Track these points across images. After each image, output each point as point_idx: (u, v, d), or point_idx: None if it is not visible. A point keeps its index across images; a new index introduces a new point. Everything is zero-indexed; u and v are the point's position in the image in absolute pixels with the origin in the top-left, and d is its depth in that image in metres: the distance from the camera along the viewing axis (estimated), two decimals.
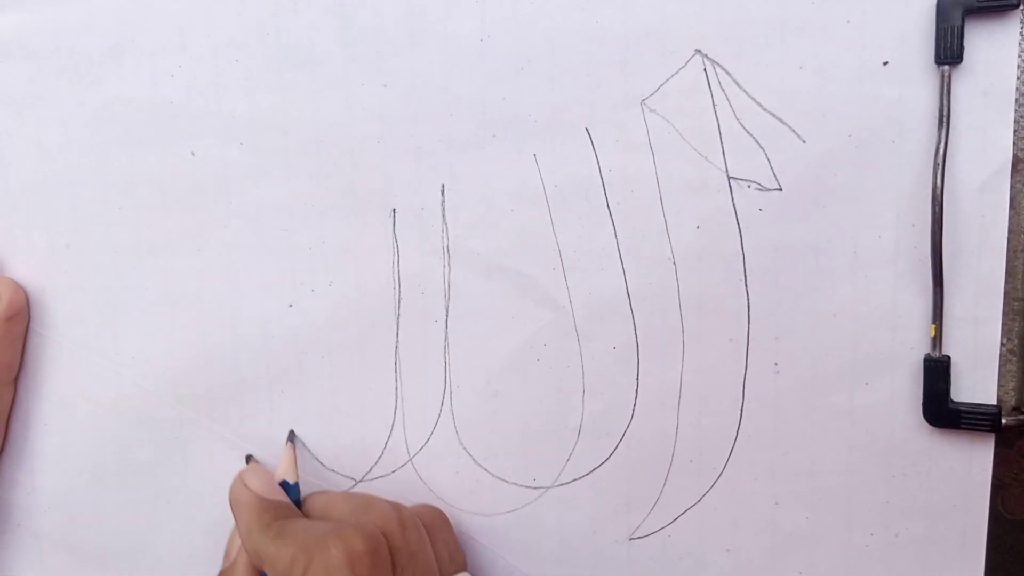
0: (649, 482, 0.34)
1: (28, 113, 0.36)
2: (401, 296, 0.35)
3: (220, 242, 0.36)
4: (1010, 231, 0.30)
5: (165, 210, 0.36)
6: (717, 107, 0.31)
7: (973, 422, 0.30)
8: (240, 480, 0.33)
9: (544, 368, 0.34)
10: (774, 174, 0.31)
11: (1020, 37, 0.29)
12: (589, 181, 0.33)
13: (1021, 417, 0.30)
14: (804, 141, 0.31)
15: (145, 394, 0.37)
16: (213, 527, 0.36)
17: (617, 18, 0.32)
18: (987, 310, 0.30)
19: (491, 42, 0.33)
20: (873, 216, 0.31)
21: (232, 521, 0.33)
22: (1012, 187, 0.30)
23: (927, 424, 0.31)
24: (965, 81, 0.29)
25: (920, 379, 0.31)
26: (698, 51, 0.31)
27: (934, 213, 0.30)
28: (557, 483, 0.35)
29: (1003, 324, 0.30)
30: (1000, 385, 0.31)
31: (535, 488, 0.35)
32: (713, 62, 0.31)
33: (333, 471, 0.36)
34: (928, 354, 0.31)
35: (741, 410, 0.33)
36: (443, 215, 0.34)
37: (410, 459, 0.35)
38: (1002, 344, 0.30)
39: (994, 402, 0.31)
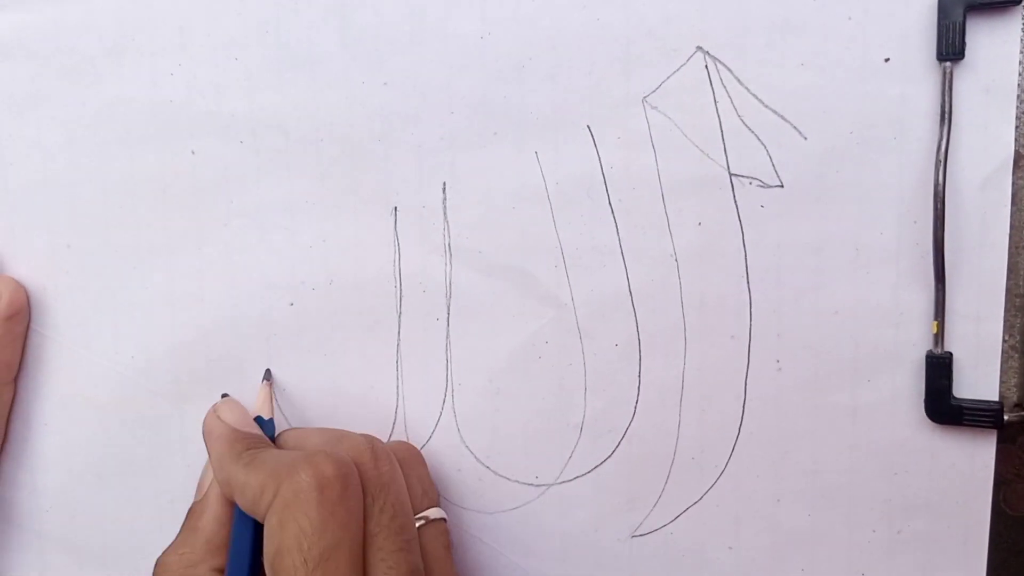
0: (651, 480, 0.34)
1: (29, 113, 0.36)
2: (402, 294, 0.35)
3: (221, 241, 0.36)
4: (1012, 227, 0.30)
5: (166, 209, 0.36)
6: (719, 104, 0.31)
7: (975, 418, 0.30)
8: (214, 412, 0.33)
9: (546, 366, 0.34)
10: (776, 171, 0.31)
11: (1021, 33, 0.29)
12: (591, 178, 0.33)
13: (1023, 413, 0.30)
14: (806, 138, 0.31)
15: (146, 393, 0.37)
16: None
17: (618, 16, 0.32)
18: (989, 306, 0.30)
19: (492, 40, 0.33)
20: (875, 213, 0.31)
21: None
22: (1014, 183, 0.30)
23: (929, 421, 0.31)
24: (967, 78, 0.29)
25: (922, 376, 0.31)
26: (699, 48, 0.31)
27: (936, 210, 0.30)
28: (559, 481, 0.35)
29: (1005, 320, 0.30)
30: (1002, 381, 0.31)
31: (537, 486, 0.35)
32: (715, 59, 0.31)
33: None
34: (930, 351, 0.31)
35: (743, 407, 0.33)
36: (444, 213, 0.34)
37: None
38: (1004, 340, 0.31)
39: (996, 398, 0.31)
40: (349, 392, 0.35)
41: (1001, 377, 0.31)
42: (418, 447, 0.35)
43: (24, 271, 0.37)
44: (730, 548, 0.34)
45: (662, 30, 0.31)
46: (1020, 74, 0.29)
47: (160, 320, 0.36)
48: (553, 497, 0.35)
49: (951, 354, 0.31)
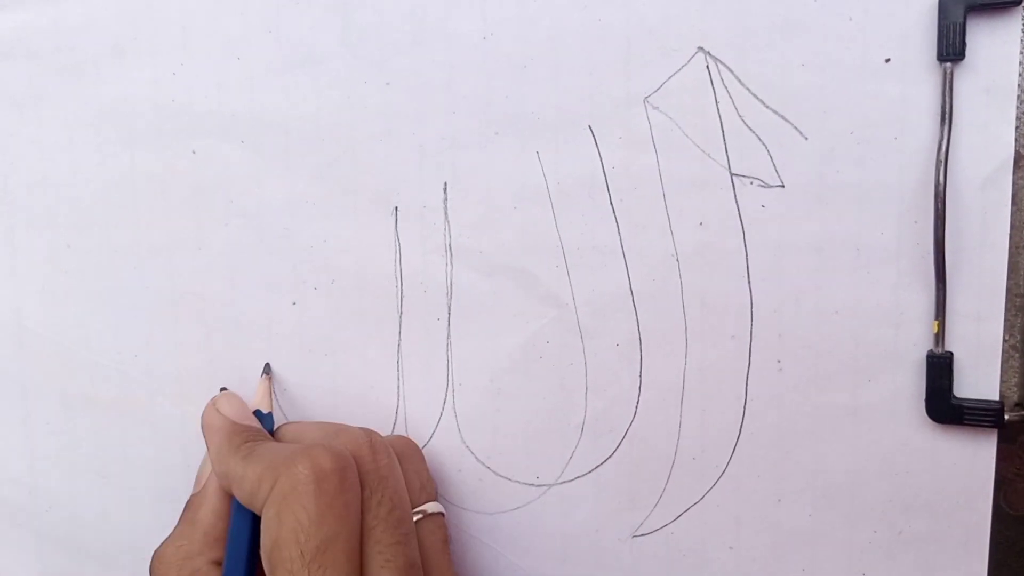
0: (652, 480, 0.34)
1: (29, 113, 0.36)
2: (403, 294, 0.35)
3: (222, 241, 0.36)
4: (1012, 227, 0.30)
5: (166, 209, 0.36)
6: (720, 104, 0.31)
7: (976, 418, 0.31)
8: (212, 405, 0.33)
9: (547, 366, 0.34)
10: (776, 171, 0.31)
11: (1022, 34, 0.29)
12: (592, 178, 0.33)
13: (1023, 413, 0.31)
14: (806, 138, 0.31)
15: (147, 393, 0.37)
16: None
17: (619, 16, 0.32)
18: (989, 306, 0.30)
19: (493, 40, 0.33)
20: (875, 213, 0.31)
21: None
22: (1014, 183, 0.30)
23: (930, 420, 0.31)
24: (967, 78, 0.29)
25: (923, 376, 0.31)
26: (701, 48, 0.31)
27: (936, 210, 0.30)
28: (560, 481, 0.35)
29: (1005, 320, 0.30)
30: (1003, 381, 0.31)
31: (538, 486, 0.35)
32: (716, 59, 0.31)
33: None
34: (931, 350, 0.31)
35: (744, 407, 0.33)
36: (445, 213, 0.34)
37: None
38: (1005, 340, 0.31)
39: (997, 398, 0.31)
40: (350, 392, 0.35)
41: (1002, 376, 0.31)
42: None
43: (25, 271, 0.37)
44: (731, 548, 0.34)
45: (663, 30, 0.32)
46: (1020, 74, 0.29)
47: (161, 320, 0.36)
48: (554, 497, 0.35)
49: (952, 354, 0.31)
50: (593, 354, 0.34)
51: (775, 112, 0.31)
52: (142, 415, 0.37)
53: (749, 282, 0.32)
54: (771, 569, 0.34)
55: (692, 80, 0.32)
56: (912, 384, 0.31)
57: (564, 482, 0.35)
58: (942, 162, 0.29)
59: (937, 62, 0.30)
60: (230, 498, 0.31)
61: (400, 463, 0.31)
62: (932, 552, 0.32)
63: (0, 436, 0.38)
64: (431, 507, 0.32)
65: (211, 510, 0.31)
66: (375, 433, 0.31)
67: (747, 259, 0.32)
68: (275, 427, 0.34)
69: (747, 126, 0.31)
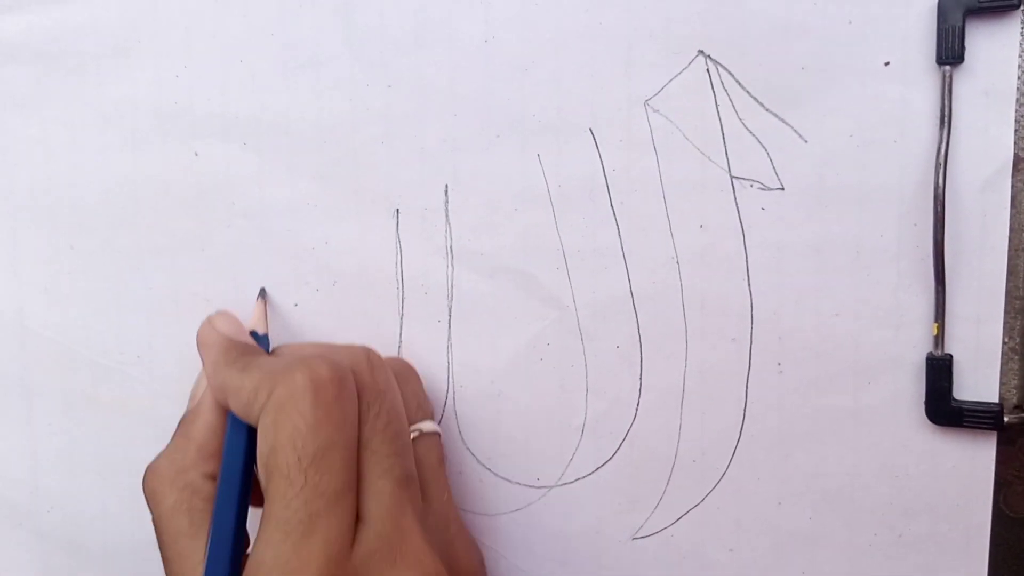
0: (652, 482, 0.34)
1: (33, 114, 0.37)
2: (404, 296, 0.35)
3: (224, 242, 0.36)
4: (1011, 230, 0.30)
5: (168, 210, 0.36)
6: (720, 107, 0.32)
7: (976, 420, 0.31)
8: (208, 322, 0.32)
9: (547, 368, 0.34)
10: (776, 173, 0.32)
11: (1021, 37, 0.29)
12: (592, 181, 0.33)
13: (1023, 415, 0.31)
14: (806, 141, 0.31)
15: (149, 394, 0.37)
16: None
17: (621, 19, 0.32)
18: (989, 308, 0.30)
19: (495, 43, 0.33)
20: (875, 215, 0.31)
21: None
22: (1013, 186, 0.30)
23: (929, 423, 0.31)
24: (966, 81, 0.30)
25: (922, 378, 0.31)
26: (701, 52, 0.31)
27: (936, 212, 0.30)
28: (560, 483, 0.35)
29: (1005, 322, 0.30)
30: (1002, 383, 0.31)
31: (538, 488, 0.35)
32: (716, 63, 0.31)
33: None
34: (930, 353, 0.31)
35: (744, 410, 0.33)
36: (446, 215, 0.34)
37: None
38: (1004, 342, 0.31)
39: (996, 400, 0.31)
40: None
41: (1001, 379, 0.31)
42: None
43: (27, 272, 0.37)
44: (731, 550, 0.34)
45: (664, 34, 0.32)
46: (1019, 78, 0.29)
47: (163, 321, 0.36)
48: (554, 499, 0.35)
49: (951, 356, 0.31)
50: (593, 356, 0.34)
51: (775, 115, 0.31)
52: (144, 416, 0.37)
53: (749, 284, 0.32)
54: (771, 571, 0.34)
55: (693, 83, 0.32)
56: (912, 386, 0.32)
57: (564, 484, 0.35)
58: (941, 165, 0.30)
59: (936, 65, 0.30)
60: (225, 413, 0.30)
61: (398, 384, 0.31)
62: (932, 554, 0.32)
63: (2, 436, 0.39)
64: (427, 426, 0.31)
65: (205, 425, 0.31)
66: (373, 351, 0.31)
67: (747, 261, 0.32)
68: (271, 349, 0.34)
69: (747, 129, 0.32)
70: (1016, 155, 0.30)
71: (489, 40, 0.33)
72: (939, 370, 0.31)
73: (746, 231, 0.32)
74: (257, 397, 0.27)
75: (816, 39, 0.31)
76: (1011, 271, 0.30)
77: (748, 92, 0.31)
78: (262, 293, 0.35)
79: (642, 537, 0.34)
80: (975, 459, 0.31)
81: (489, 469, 0.35)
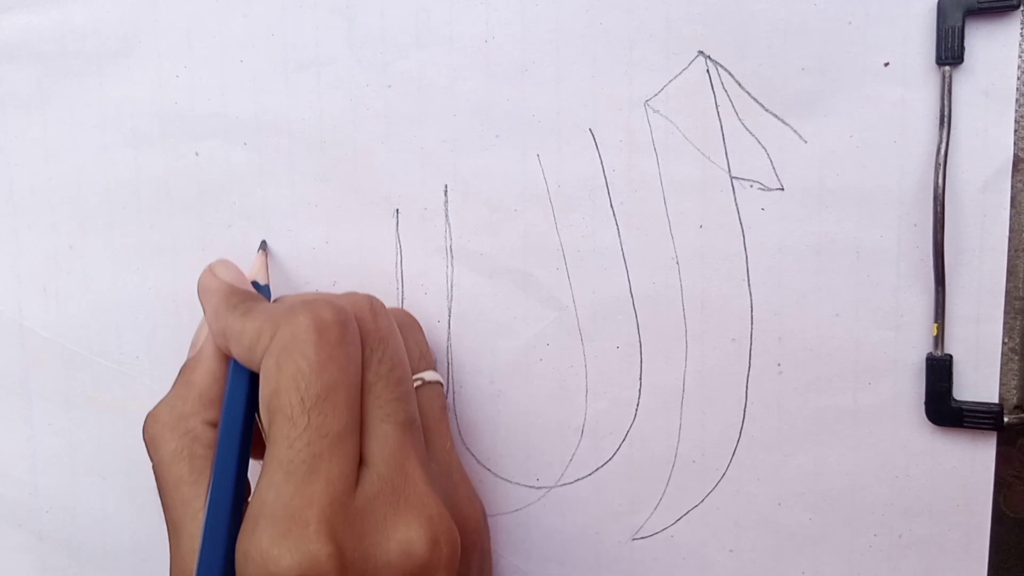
0: (652, 482, 0.34)
1: (34, 114, 0.37)
2: (404, 296, 0.35)
3: (224, 243, 0.36)
4: (1011, 230, 0.30)
5: (169, 211, 0.36)
6: (720, 108, 0.32)
7: (975, 421, 0.31)
8: (209, 270, 0.32)
9: (547, 368, 0.34)
10: (776, 174, 0.32)
11: (1020, 37, 0.29)
12: (592, 181, 0.33)
13: (1023, 415, 0.31)
14: (806, 141, 0.31)
15: (150, 394, 0.37)
16: None
17: (621, 20, 0.32)
18: (989, 309, 0.30)
19: (495, 43, 0.33)
20: (875, 216, 0.31)
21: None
22: (1013, 186, 0.30)
23: (929, 423, 0.31)
24: (966, 81, 0.30)
25: (922, 378, 0.31)
26: (701, 52, 0.32)
27: (935, 213, 0.30)
28: (560, 483, 0.35)
29: (1005, 323, 0.30)
30: (1002, 383, 0.31)
31: (538, 488, 0.35)
32: (716, 63, 0.31)
33: None
34: (930, 353, 0.31)
35: (744, 410, 0.33)
36: (446, 216, 0.34)
37: None
38: (1004, 342, 0.31)
39: (996, 400, 0.31)
40: None
41: (1001, 379, 0.31)
42: None
43: (28, 272, 0.38)
44: (731, 551, 0.34)
45: (664, 34, 0.32)
46: (1019, 78, 0.29)
47: (163, 321, 0.36)
48: (554, 499, 0.35)
49: (951, 356, 0.31)
50: (593, 356, 0.34)
51: (775, 115, 0.31)
52: (143, 417, 0.37)
53: (749, 285, 0.32)
54: (771, 572, 0.34)
55: (693, 84, 0.32)
56: (912, 387, 0.32)
57: (564, 484, 0.35)
58: (941, 165, 0.30)
59: (936, 66, 0.30)
60: (226, 360, 0.30)
61: (400, 333, 0.30)
62: (932, 555, 0.32)
63: (2, 436, 0.39)
64: (429, 375, 0.31)
65: (206, 372, 0.30)
66: (376, 299, 0.30)
67: (747, 262, 0.32)
68: (272, 299, 0.33)
69: (747, 129, 0.32)
70: (1016, 155, 0.30)
71: (489, 40, 0.33)
72: (939, 370, 0.31)
73: (746, 231, 0.32)
74: (260, 340, 0.27)
75: (816, 40, 0.31)
76: (1011, 271, 0.30)
77: (748, 93, 0.31)
78: (263, 245, 0.35)
79: (642, 538, 0.34)
80: (975, 459, 0.31)
81: (489, 469, 0.35)
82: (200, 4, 0.35)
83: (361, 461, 0.27)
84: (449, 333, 0.35)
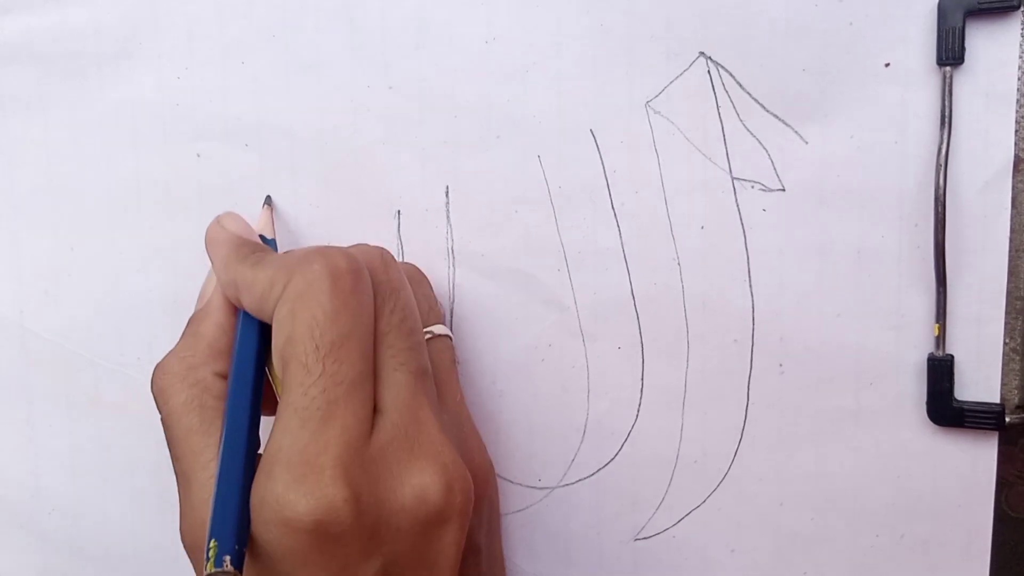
0: (654, 483, 0.34)
1: (35, 115, 0.37)
2: None
3: None
4: (1012, 230, 0.30)
5: (170, 212, 0.36)
6: (721, 109, 0.32)
7: (977, 421, 0.31)
8: (217, 221, 0.32)
9: (549, 368, 0.34)
10: (777, 175, 0.32)
11: (1021, 38, 0.29)
12: (593, 182, 0.33)
13: None
14: (807, 142, 0.31)
15: (150, 396, 0.37)
16: None
17: (622, 21, 0.32)
18: (990, 309, 0.31)
19: (496, 44, 0.33)
20: (876, 216, 0.31)
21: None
22: (1014, 187, 0.30)
23: (931, 423, 0.31)
24: (966, 82, 0.30)
25: (924, 378, 0.31)
26: (702, 53, 0.32)
27: (937, 213, 0.30)
28: (562, 483, 0.35)
29: (1006, 323, 0.31)
30: (1003, 383, 0.31)
31: (540, 488, 0.35)
32: (717, 64, 0.31)
33: None
34: (931, 353, 0.31)
35: (746, 411, 0.33)
36: (448, 217, 0.34)
37: None
38: (1005, 343, 0.31)
39: (998, 400, 0.31)
40: None
41: (1002, 379, 0.31)
42: None
43: (29, 273, 0.38)
44: (733, 551, 0.34)
45: (665, 35, 0.32)
46: (1020, 79, 0.29)
47: (164, 323, 0.36)
48: (556, 500, 0.35)
49: (952, 357, 0.31)
50: (595, 357, 0.34)
51: (776, 116, 0.31)
52: (145, 418, 0.37)
53: (750, 285, 0.32)
54: (773, 572, 0.34)
55: (694, 84, 0.32)
56: (913, 387, 0.32)
57: (566, 485, 0.35)
58: (942, 166, 0.30)
59: (937, 66, 0.30)
60: (234, 312, 0.30)
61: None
62: (934, 555, 0.32)
63: (3, 438, 0.39)
64: (439, 328, 0.31)
65: (215, 323, 0.30)
66: (387, 251, 0.30)
67: (748, 262, 0.32)
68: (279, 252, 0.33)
69: (748, 130, 0.32)
70: (1016, 156, 0.30)
71: (490, 42, 0.33)
72: (940, 371, 0.31)
73: (747, 232, 0.32)
74: (272, 289, 0.27)
75: (817, 41, 0.31)
76: (1012, 271, 0.30)
77: (749, 94, 0.31)
78: (268, 200, 0.35)
79: (644, 538, 0.34)
80: (977, 459, 0.31)
81: None
82: (201, 5, 0.35)
83: (375, 409, 0.27)
84: (451, 334, 0.35)
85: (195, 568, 0.27)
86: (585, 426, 0.34)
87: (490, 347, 0.34)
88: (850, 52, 0.31)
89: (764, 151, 0.32)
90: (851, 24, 0.30)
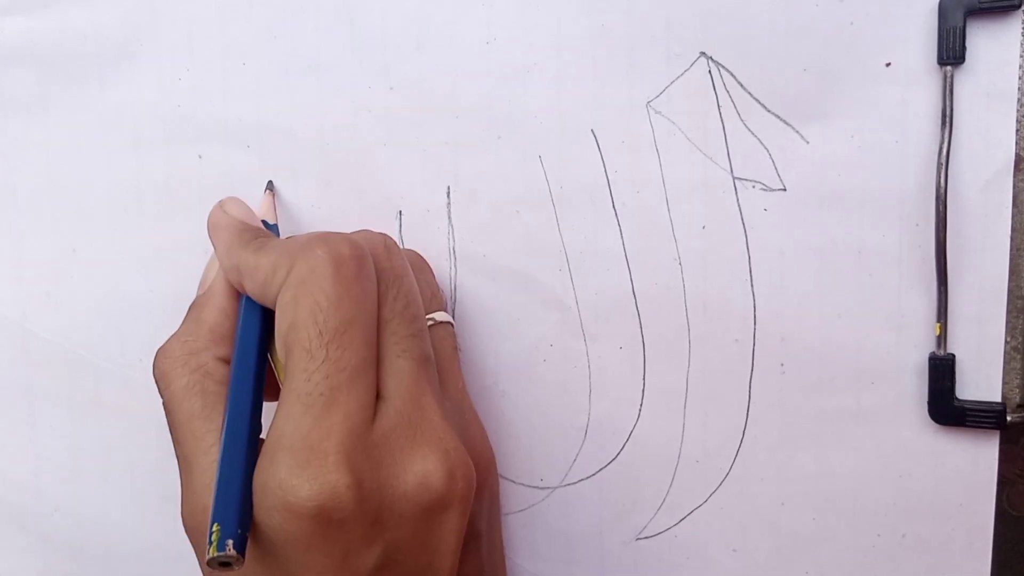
0: (655, 483, 0.34)
1: (36, 117, 0.37)
2: None
3: None
4: (1013, 229, 0.30)
5: (172, 214, 0.36)
6: (722, 109, 0.32)
7: (978, 420, 0.31)
8: (219, 206, 0.32)
9: (551, 368, 0.34)
10: (778, 174, 0.32)
11: (1021, 37, 0.29)
12: (595, 183, 0.33)
13: None
14: (808, 142, 0.31)
15: (152, 397, 0.37)
16: None
17: (622, 21, 0.32)
18: (991, 308, 0.31)
19: (497, 45, 0.33)
20: (877, 216, 0.31)
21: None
22: (1015, 186, 0.30)
23: (932, 423, 0.31)
24: (967, 81, 0.30)
25: (925, 378, 0.31)
26: (703, 53, 0.32)
27: (938, 212, 0.30)
28: (564, 483, 0.35)
29: (1007, 322, 0.31)
30: (1004, 383, 0.31)
31: (542, 488, 0.35)
32: (718, 64, 0.31)
33: None
34: (933, 353, 0.31)
35: (747, 411, 0.33)
36: (449, 217, 0.34)
37: None
38: (1006, 342, 0.31)
39: (999, 400, 0.31)
40: None
41: (1003, 378, 0.31)
42: None
43: (30, 275, 0.38)
44: (734, 551, 0.34)
45: (665, 36, 0.32)
46: (1020, 78, 0.29)
47: (166, 324, 0.36)
48: (558, 500, 0.35)
49: (953, 356, 0.31)
50: (596, 357, 0.34)
51: (777, 116, 0.31)
52: (147, 419, 0.37)
53: (752, 285, 0.32)
54: (774, 572, 0.34)
55: (694, 85, 0.32)
56: (914, 386, 0.32)
57: (568, 484, 0.35)
58: (943, 165, 0.30)
59: (937, 66, 0.30)
60: (236, 297, 0.30)
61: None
62: (935, 554, 0.32)
63: (5, 440, 0.39)
64: (441, 315, 0.31)
65: (217, 308, 0.30)
66: (390, 237, 0.30)
67: (749, 262, 0.32)
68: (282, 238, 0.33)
69: (749, 130, 0.32)
70: (1017, 155, 0.30)
71: (490, 42, 0.33)
72: (942, 370, 0.31)
73: (748, 232, 0.32)
74: (276, 275, 0.27)
75: (817, 40, 0.31)
76: (1013, 271, 0.30)
77: (750, 93, 0.31)
78: (270, 185, 0.35)
79: (645, 538, 0.35)
80: (978, 459, 0.31)
81: None
82: (201, 7, 0.35)
83: (377, 396, 0.27)
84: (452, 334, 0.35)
85: (196, 552, 0.28)
86: (587, 426, 0.34)
87: (492, 347, 0.34)
88: (851, 52, 0.31)
89: (765, 151, 0.32)
90: (852, 24, 0.30)
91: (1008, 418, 0.30)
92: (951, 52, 0.29)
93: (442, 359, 0.30)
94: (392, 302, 0.28)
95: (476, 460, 0.28)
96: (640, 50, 0.32)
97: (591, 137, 0.33)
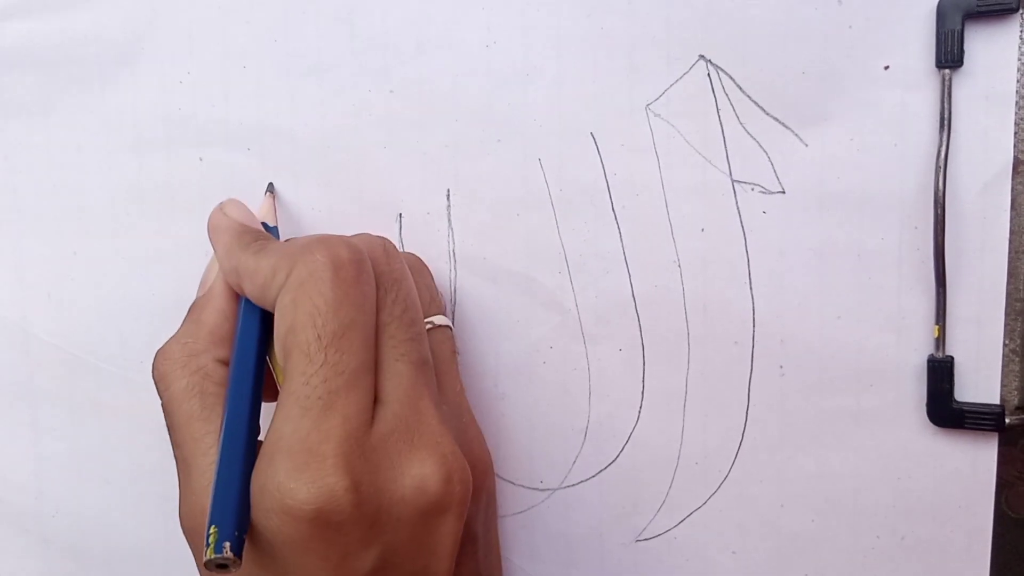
0: (655, 484, 0.34)
1: (37, 120, 0.37)
2: None
3: None
4: (1011, 232, 0.30)
5: (173, 216, 0.36)
6: (721, 112, 0.32)
7: (977, 422, 0.31)
8: (220, 208, 0.32)
9: (550, 370, 0.34)
10: (777, 177, 0.32)
11: (1020, 40, 0.29)
12: (594, 186, 0.33)
13: None
14: (807, 145, 0.31)
15: (153, 399, 0.37)
16: None
17: (622, 24, 0.32)
18: (990, 310, 0.31)
19: (497, 48, 0.33)
20: (876, 218, 0.31)
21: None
22: (1013, 189, 0.30)
23: (931, 425, 0.31)
24: (966, 84, 0.30)
25: (924, 380, 0.31)
26: (702, 57, 0.32)
27: (936, 215, 0.30)
28: (563, 485, 0.35)
29: (1006, 324, 0.31)
30: (1003, 385, 0.31)
31: (542, 490, 0.35)
32: (717, 67, 0.32)
33: None
34: (931, 355, 0.31)
35: (746, 413, 0.33)
36: (449, 220, 0.34)
37: None
38: (1005, 344, 0.31)
39: (997, 402, 0.31)
40: None
41: (1002, 380, 0.31)
42: None
43: (32, 278, 0.38)
44: (734, 553, 0.34)
45: (665, 39, 0.32)
46: (1019, 80, 0.29)
47: (167, 326, 0.36)
48: (558, 501, 0.35)
49: (952, 358, 0.31)
50: (596, 359, 0.34)
51: (776, 119, 0.31)
52: (147, 421, 0.37)
53: (751, 288, 0.32)
54: (774, 574, 0.34)
55: (694, 88, 0.32)
56: (913, 389, 0.32)
57: (568, 486, 0.35)
58: (941, 168, 0.30)
59: (936, 69, 0.30)
60: (236, 299, 0.30)
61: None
62: (934, 556, 0.32)
63: (7, 442, 0.39)
64: (439, 319, 0.31)
65: (217, 310, 0.30)
66: (389, 241, 0.30)
67: (749, 265, 0.32)
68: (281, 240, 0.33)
69: (748, 133, 0.32)
70: (1016, 158, 0.30)
71: (490, 45, 0.33)
72: (940, 372, 0.31)
73: (747, 235, 0.32)
74: (275, 278, 0.27)
75: (816, 44, 0.31)
76: (1011, 273, 0.30)
77: (749, 96, 0.32)
78: (270, 188, 0.35)
79: (645, 539, 0.35)
80: (977, 461, 0.31)
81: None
82: (202, 11, 0.35)
83: (376, 399, 0.27)
84: (452, 336, 0.35)
85: (194, 553, 0.28)
86: (586, 428, 0.34)
87: (492, 349, 0.35)
88: (849, 55, 0.31)
89: (764, 154, 0.32)
90: (850, 27, 0.30)
91: (1007, 420, 0.30)
92: (949, 55, 0.29)
93: (440, 363, 0.30)
94: (391, 306, 0.28)
95: (473, 464, 0.28)
96: (639, 53, 0.32)
97: (591, 140, 0.33)
